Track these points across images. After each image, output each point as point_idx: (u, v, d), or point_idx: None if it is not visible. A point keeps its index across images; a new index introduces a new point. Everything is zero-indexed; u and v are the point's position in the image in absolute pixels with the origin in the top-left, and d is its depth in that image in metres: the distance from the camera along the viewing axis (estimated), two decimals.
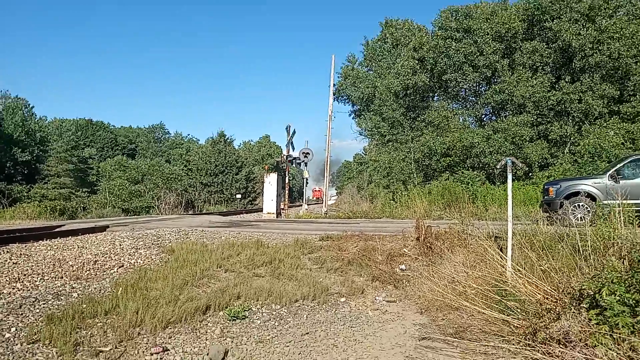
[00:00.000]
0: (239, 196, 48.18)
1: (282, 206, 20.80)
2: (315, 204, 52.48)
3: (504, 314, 4.59)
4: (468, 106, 25.98)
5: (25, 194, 44.95)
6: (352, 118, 39.57)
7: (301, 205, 30.65)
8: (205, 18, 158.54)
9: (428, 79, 24.82)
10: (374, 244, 8.41)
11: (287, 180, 21.34)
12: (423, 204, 16.22)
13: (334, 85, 32.68)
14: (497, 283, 5.23)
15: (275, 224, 14.89)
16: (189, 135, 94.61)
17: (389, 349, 4.80)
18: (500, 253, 5.88)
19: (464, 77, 23.45)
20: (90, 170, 56.73)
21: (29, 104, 56.50)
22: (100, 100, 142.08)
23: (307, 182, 28.76)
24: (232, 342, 4.69)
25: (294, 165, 22.62)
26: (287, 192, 21.45)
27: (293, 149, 22.33)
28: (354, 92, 34.46)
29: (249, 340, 4.76)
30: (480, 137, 21.73)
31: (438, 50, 23.75)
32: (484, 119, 25.72)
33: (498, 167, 6.13)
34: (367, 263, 7.69)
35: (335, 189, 79.39)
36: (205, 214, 29.39)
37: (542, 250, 5.59)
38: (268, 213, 20.17)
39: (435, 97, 27.29)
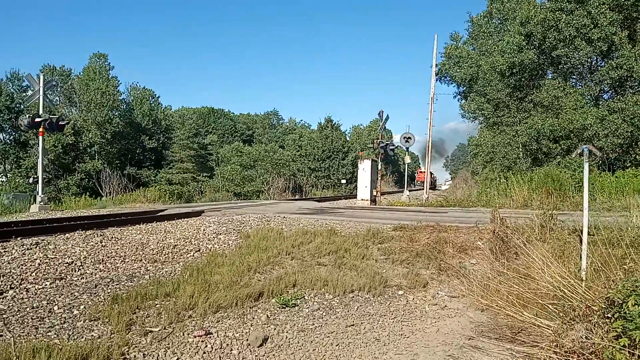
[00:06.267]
0: (344, 181, 48.97)
1: (374, 193, 20.69)
2: (421, 188, 51.22)
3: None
4: (581, 85, 23.47)
5: (153, 178, 50.02)
6: (458, 100, 37.95)
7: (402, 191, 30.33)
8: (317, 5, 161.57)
9: (536, 56, 22.83)
10: (447, 236, 8.11)
11: (379, 167, 21.14)
12: (522, 193, 15.11)
13: (437, 65, 31.58)
14: (563, 285, 4.82)
15: (361, 212, 14.92)
16: (301, 121, 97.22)
17: (433, 347, 4.66)
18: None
19: (576, 52, 21.17)
20: (210, 156, 61.17)
21: (155, 94, 61.68)
22: (221, 89, 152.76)
23: (409, 168, 28.40)
24: (274, 329, 4.85)
25: (386, 151, 22.30)
26: (379, 178, 21.25)
27: (386, 134, 22.02)
28: (457, 73, 32.88)
29: (292, 329, 4.88)
30: (594, 118, 19.57)
31: (547, 24, 21.71)
32: (600, 98, 23.08)
33: (573, 156, 5.58)
34: (437, 255, 7.44)
35: (450, 173, 76.55)
36: (305, 199, 30.34)
37: (631, 248, 5.02)
38: (362, 200, 20.19)
39: (545, 76, 25.02)
